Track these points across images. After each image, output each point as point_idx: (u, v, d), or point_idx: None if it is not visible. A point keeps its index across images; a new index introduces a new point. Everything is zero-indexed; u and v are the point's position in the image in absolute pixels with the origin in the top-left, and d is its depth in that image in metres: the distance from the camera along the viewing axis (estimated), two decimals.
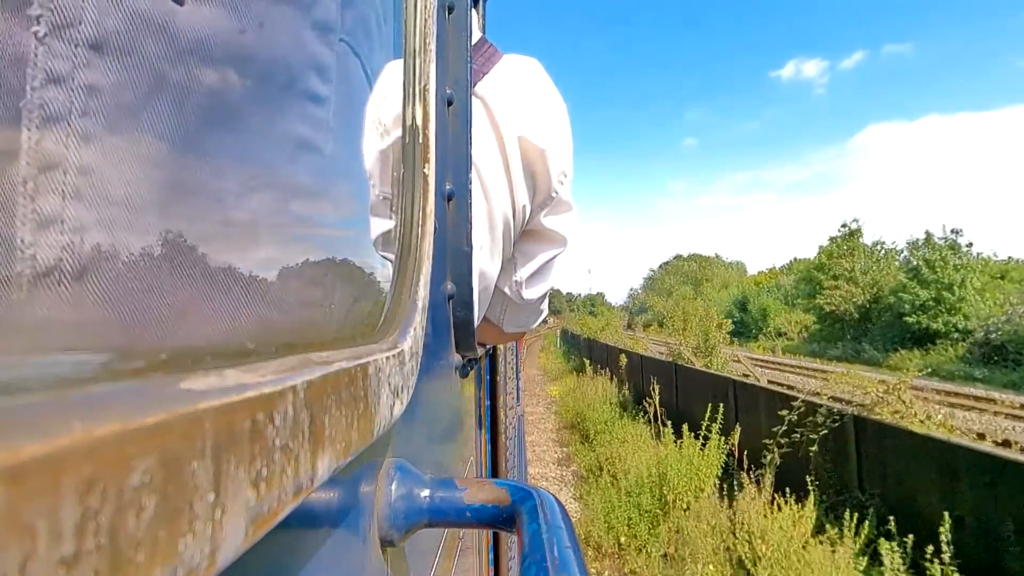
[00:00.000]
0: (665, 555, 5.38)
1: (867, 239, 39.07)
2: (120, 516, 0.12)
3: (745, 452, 6.49)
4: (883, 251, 37.71)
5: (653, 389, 9.22)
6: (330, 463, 0.25)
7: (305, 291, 0.34)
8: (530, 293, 0.98)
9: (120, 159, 0.19)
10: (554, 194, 0.83)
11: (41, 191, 0.16)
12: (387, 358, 0.35)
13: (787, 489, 5.10)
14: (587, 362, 17.52)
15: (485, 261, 0.80)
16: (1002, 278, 31.08)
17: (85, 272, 0.17)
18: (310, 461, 0.22)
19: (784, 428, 6.10)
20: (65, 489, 0.10)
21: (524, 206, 0.81)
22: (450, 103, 0.66)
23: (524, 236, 0.90)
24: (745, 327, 48.66)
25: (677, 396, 10.48)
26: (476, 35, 0.76)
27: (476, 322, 0.74)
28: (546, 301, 1.11)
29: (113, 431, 0.12)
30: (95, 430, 0.11)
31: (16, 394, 0.11)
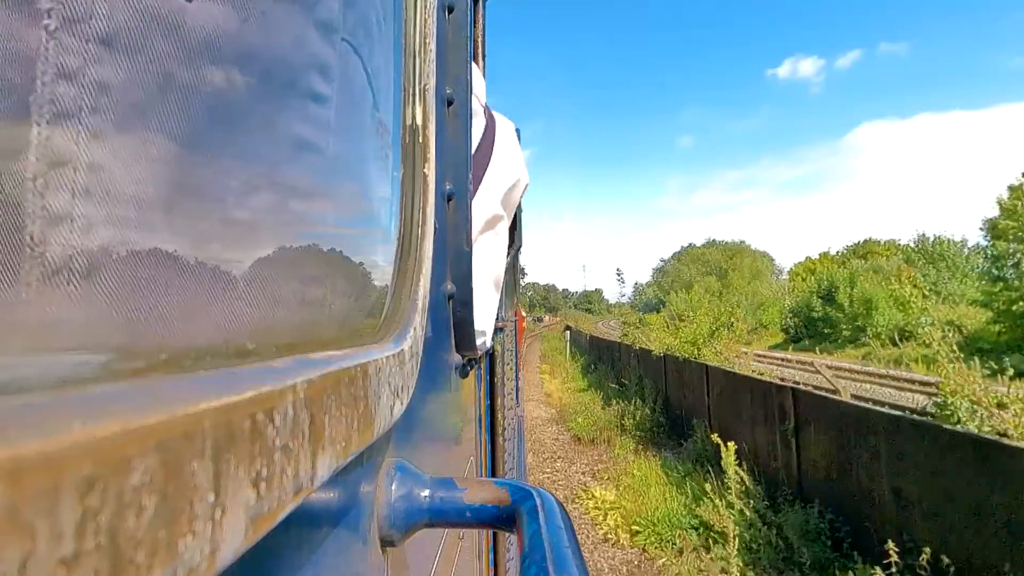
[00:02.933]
0: None
1: None
2: (120, 516, 0.12)
3: None
4: None
5: None
6: (330, 463, 0.25)
7: (305, 291, 0.34)
8: None
9: (128, 157, 0.19)
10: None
11: (51, 187, 0.16)
12: (387, 358, 0.35)
13: None
14: (722, 445, 5.94)
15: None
16: None
17: (92, 271, 0.17)
18: (310, 461, 0.22)
19: None
20: (65, 489, 0.10)
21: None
22: (450, 103, 0.66)
23: None
24: (831, 325, 33.31)
25: None
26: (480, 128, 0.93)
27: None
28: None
29: (113, 431, 0.12)
30: (95, 430, 0.11)
31: (16, 394, 0.11)
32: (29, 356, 0.15)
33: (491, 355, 1.59)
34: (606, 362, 19.03)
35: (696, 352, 11.43)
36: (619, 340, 17.47)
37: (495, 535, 1.46)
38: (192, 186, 0.23)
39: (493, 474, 1.63)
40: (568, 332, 29.66)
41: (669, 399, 10.96)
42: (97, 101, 0.17)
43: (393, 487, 0.39)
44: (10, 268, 0.15)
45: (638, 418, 10.87)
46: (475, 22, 1.43)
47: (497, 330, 1.49)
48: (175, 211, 0.22)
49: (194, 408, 0.15)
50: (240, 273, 0.26)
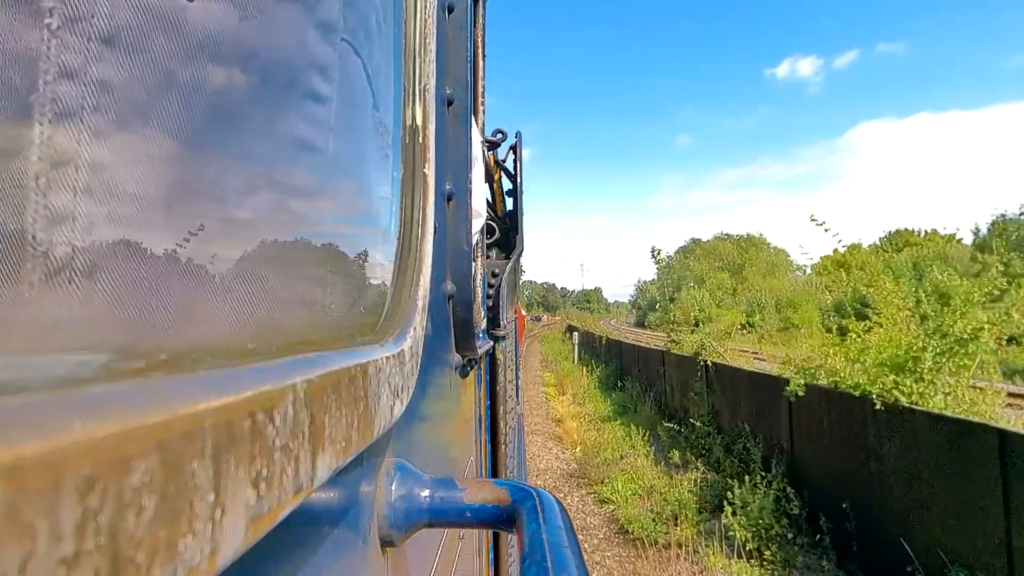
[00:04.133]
0: None
1: None
2: (120, 516, 0.12)
3: None
4: None
5: None
6: (330, 463, 0.25)
7: (305, 291, 0.34)
8: None
9: (130, 156, 0.19)
10: None
11: (53, 187, 0.16)
12: (387, 358, 0.35)
13: None
14: None
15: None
16: None
17: (93, 271, 0.17)
18: (310, 461, 0.22)
19: None
20: (65, 489, 0.10)
21: None
22: (450, 103, 0.66)
23: None
24: None
25: None
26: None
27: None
28: None
29: (113, 431, 0.12)
30: (95, 430, 0.11)
31: (16, 394, 0.11)
32: (29, 356, 0.15)
33: (491, 355, 1.59)
34: (638, 378, 12.88)
35: (915, 392, 4.86)
36: (665, 348, 11.09)
37: (495, 534, 1.46)
38: (193, 185, 0.23)
39: (494, 473, 1.63)
40: (575, 334, 23.68)
41: (803, 472, 5.74)
42: (99, 100, 0.17)
43: (393, 487, 0.39)
44: (13, 267, 0.15)
45: (756, 512, 5.31)
46: (475, 22, 1.43)
47: (498, 338, 1.48)
48: (176, 210, 0.22)
49: (194, 408, 0.15)
50: (241, 273, 0.26)
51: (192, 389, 0.16)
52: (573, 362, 21.10)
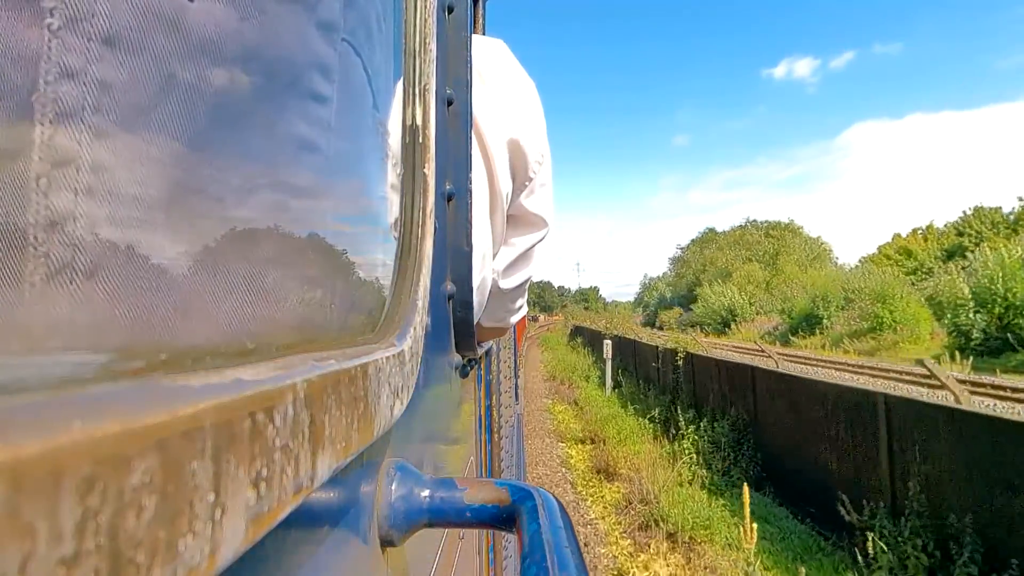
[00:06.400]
0: None
1: None
2: (120, 516, 0.12)
3: None
4: None
5: None
6: (330, 463, 0.25)
7: (305, 291, 0.34)
8: (508, 282, 0.95)
9: (130, 156, 0.19)
10: (532, 175, 0.83)
11: (54, 187, 0.16)
12: (387, 358, 0.35)
13: None
14: None
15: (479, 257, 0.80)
16: None
17: (94, 271, 0.17)
18: (310, 461, 0.22)
19: None
20: (65, 489, 0.10)
21: (507, 194, 0.82)
22: (450, 103, 0.66)
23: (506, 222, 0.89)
24: None
25: None
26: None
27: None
28: (525, 294, 1.07)
29: (113, 431, 0.12)
30: (95, 430, 0.11)
31: (16, 394, 0.11)
32: (29, 356, 0.15)
33: (486, 352, 1.59)
34: (903, 505, 4.74)
35: None
36: None
37: (496, 535, 1.46)
38: (193, 186, 0.23)
39: (492, 474, 1.63)
40: (607, 345, 14.64)
41: None
42: (99, 100, 0.17)
43: (393, 487, 0.39)
44: (14, 268, 0.15)
45: None
46: (475, 22, 1.43)
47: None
48: (176, 210, 0.22)
49: (194, 408, 0.15)
50: (241, 273, 0.26)
51: (192, 389, 0.16)
52: (605, 392, 13.34)
